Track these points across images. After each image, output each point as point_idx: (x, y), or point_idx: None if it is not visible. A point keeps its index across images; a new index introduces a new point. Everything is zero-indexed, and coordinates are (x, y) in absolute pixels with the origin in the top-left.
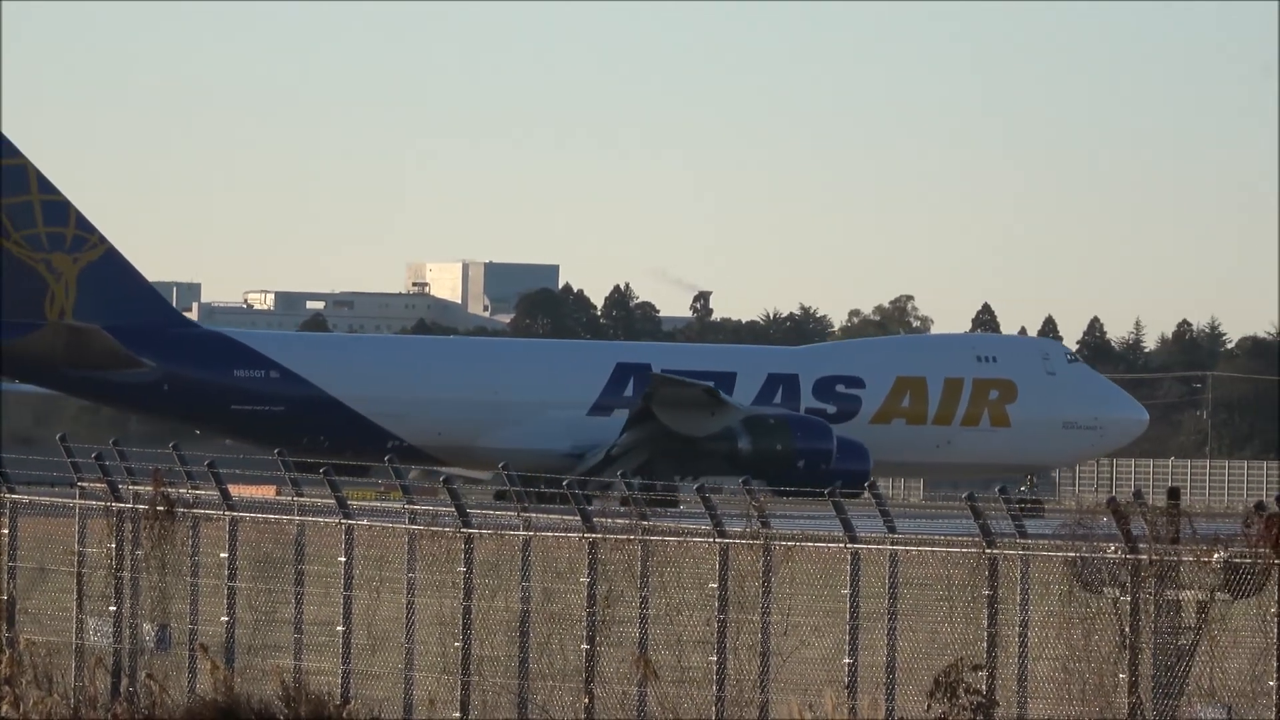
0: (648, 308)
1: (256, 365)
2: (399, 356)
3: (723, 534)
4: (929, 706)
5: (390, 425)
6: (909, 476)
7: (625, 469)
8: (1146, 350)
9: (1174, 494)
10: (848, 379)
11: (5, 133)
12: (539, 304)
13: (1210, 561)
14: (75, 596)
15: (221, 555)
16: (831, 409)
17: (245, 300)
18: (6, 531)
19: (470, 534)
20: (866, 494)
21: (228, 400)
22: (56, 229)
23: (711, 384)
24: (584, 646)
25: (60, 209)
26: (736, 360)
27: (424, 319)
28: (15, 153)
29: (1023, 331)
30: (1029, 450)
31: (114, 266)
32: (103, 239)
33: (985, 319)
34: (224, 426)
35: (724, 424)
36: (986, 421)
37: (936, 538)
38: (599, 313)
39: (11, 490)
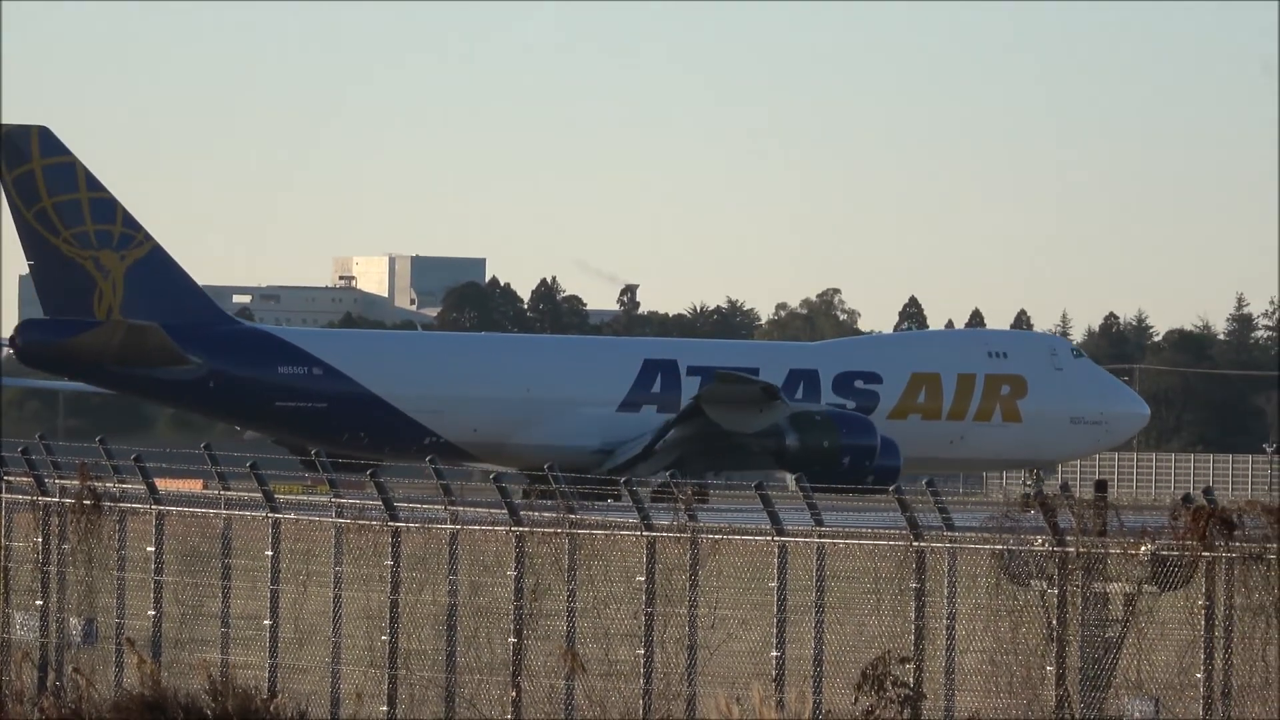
0: (575, 301)
1: (300, 362)
2: (439, 354)
3: (650, 527)
4: (856, 699)
5: (429, 422)
6: (923, 471)
7: (658, 465)
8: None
9: (1101, 486)
10: (865, 375)
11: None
12: (466, 297)
13: (1137, 554)
14: (1, 591)
15: (148, 549)
16: (850, 404)
17: None
18: None
19: (397, 528)
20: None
21: (272, 397)
22: (104, 226)
23: (770, 382)
24: (511, 640)
25: (108, 206)
26: (759, 356)
27: (351, 313)
28: (64, 150)
29: (950, 324)
30: (1039, 445)
31: (160, 264)
32: (148, 236)
33: (912, 311)
34: (268, 423)
35: (771, 421)
36: (998, 417)
37: (864, 530)
38: (526, 306)
39: None
